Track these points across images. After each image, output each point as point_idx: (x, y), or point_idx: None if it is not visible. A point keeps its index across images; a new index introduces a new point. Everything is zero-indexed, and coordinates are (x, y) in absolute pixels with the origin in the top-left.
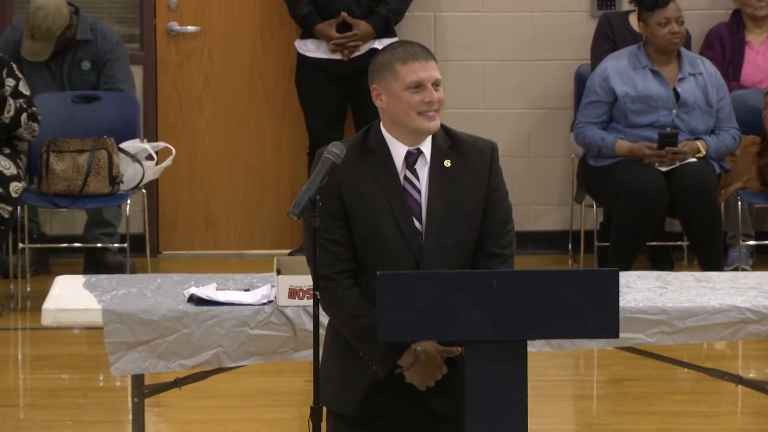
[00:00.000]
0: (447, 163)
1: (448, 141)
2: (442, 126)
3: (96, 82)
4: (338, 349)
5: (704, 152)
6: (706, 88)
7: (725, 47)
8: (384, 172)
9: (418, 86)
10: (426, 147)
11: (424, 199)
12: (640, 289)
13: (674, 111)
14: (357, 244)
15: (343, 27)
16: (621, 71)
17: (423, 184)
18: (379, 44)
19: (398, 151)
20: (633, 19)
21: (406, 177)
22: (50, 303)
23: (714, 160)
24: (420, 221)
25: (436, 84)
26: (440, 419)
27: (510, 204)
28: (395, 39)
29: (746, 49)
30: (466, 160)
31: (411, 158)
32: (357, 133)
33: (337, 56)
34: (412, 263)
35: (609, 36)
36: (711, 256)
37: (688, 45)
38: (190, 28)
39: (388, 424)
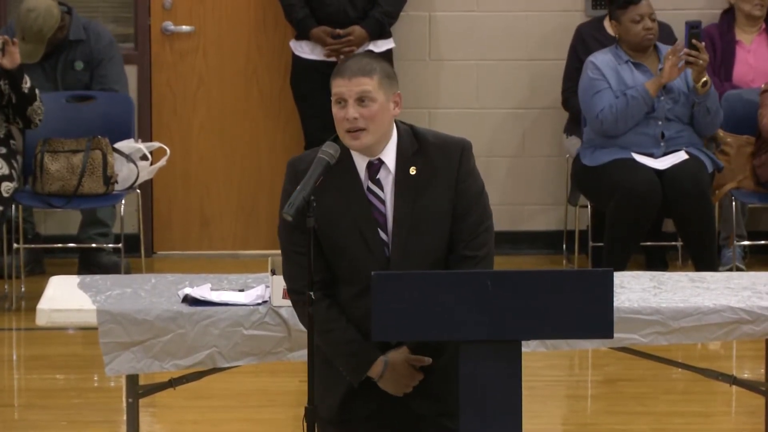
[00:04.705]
0: (412, 170)
1: (415, 145)
2: (411, 129)
3: (89, 82)
4: (319, 352)
5: (710, 83)
6: (686, 76)
7: (716, 48)
8: (348, 184)
9: (339, 101)
10: (389, 156)
11: (389, 210)
12: (634, 290)
13: (662, 98)
14: (327, 256)
15: (339, 29)
16: (607, 65)
17: (387, 194)
18: (374, 46)
19: (360, 162)
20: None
21: (369, 188)
22: (45, 303)
23: (710, 108)
24: (386, 232)
25: (361, 99)
26: (423, 420)
27: (485, 202)
28: (390, 40)
29: (737, 49)
30: (433, 165)
31: (372, 169)
32: (324, 144)
33: (333, 58)
34: None
35: (577, 53)
36: (704, 257)
37: (669, 37)
38: (185, 28)
39: (370, 426)
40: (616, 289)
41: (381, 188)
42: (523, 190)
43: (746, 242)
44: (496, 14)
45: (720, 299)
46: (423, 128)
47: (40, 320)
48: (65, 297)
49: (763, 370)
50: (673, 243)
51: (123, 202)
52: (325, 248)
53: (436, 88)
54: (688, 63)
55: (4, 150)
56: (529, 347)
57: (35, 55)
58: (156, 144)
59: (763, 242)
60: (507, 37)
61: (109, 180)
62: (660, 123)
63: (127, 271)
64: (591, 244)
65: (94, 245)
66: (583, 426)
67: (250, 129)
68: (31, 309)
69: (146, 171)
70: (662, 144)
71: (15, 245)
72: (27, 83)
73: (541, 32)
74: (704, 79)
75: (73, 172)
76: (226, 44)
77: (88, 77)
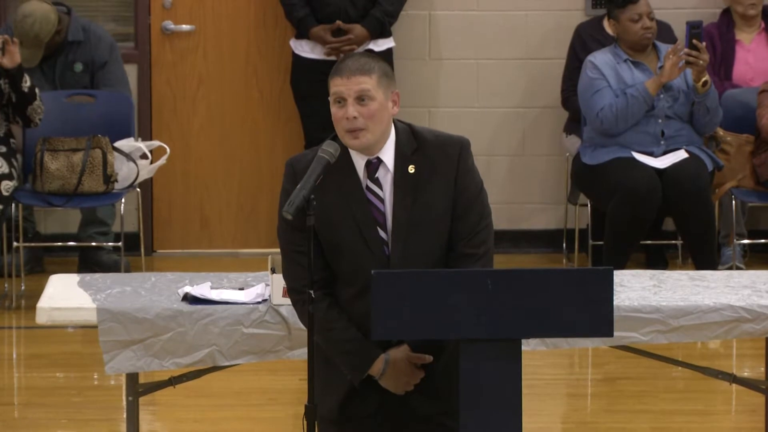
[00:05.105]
0: (411, 169)
1: (413, 144)
2: (410, 128)
3: (89, 84)
4: (319, 351)
5: (710, 82)
6: (685, 75)
7: (716, 47)
8: (347, 183)
9: (339, 101)
10: (387, 155)
11: (388, 209)
12: (634, 288)
13: (662, 96)
14: (326, 255)
15: (340, 29)
16: (606, 64)
17: (386, 193)
18: (375, 45)
19: (359, 161)
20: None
21: (368, 187)
22: (45, 302)
23: (709, 107)
24: (385, 231)
25: (361, 98)
26: (423, 420)
27: (484, 200)
28: (390, 39)
29: (737, 48)
30: (432, 164)
31: (371, 168)
32: (323, 143)
33: (333, 57)
34: None
35: (577, 53)
36: (704, 255)
37: (669, 36)
38: (185, 27)
39: (371, 425)
40: (616, 288)
41: (380, 187)
42: (523, 188)
43: (746, 241)
44: (496, 13)
45: (720, 298)
46: (421, 127)
47: (40, 319)
48: (65, 295)
49: (763, 369)
50: (673, 241)
51: (123, 200)
52: (325, 247)
53: (436, 87)
54: (688, 63)
55: (4, 149)
56: (529, 346)
57: (33, 60)
58: (156, 143)
59: (762, 241)
60: (507, 36)
61: (109, 179)
62: (660, 121)
63: (127, 270)
64: (591, 242)
65: (94, 244)
66: (583, 424)
67: (250, 128)
68: (31, 307)
69: (146, 170)
70: (662, 142)
71: (15, 244)
72: (27, 82)
73: (541, 31)
74: (704, 78)
75: (73, 170)
76: (226, 44)
77: (87, 79)
